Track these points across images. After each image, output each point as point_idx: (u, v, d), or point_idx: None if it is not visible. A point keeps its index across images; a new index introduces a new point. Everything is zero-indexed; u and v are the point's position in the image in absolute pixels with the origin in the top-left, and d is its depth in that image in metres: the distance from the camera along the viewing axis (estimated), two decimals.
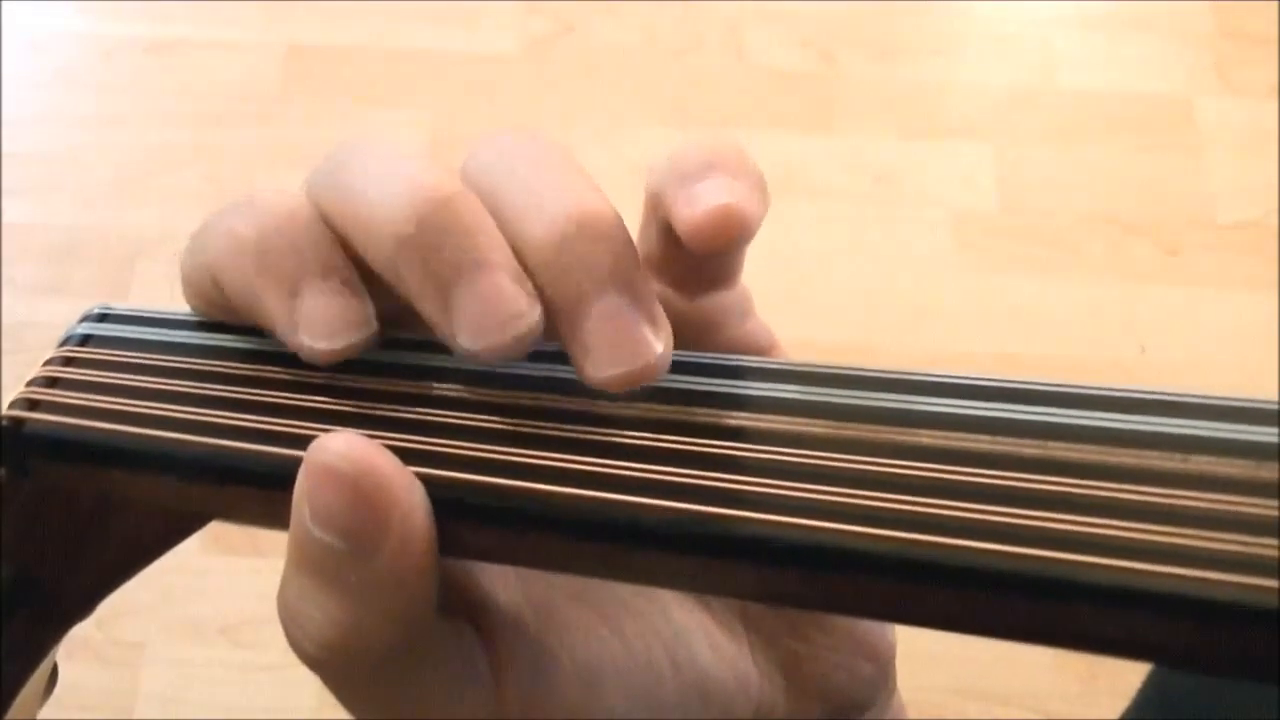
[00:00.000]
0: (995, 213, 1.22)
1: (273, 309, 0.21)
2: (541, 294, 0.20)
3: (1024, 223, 1.22)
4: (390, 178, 0.20)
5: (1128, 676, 0.47)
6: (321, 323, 0.21)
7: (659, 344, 0.20)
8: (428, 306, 0.20)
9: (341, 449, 0.18)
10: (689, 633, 0.24)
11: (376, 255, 0.20)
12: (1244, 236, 1.21)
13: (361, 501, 0.18)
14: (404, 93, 1.28)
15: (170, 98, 1.26)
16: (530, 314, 0.19)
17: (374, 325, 0.21)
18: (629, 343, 0.19)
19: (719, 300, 0.25)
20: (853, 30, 1.32)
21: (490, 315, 0.19)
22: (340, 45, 1.29)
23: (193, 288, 0.23)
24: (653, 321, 0.20)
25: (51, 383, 0.22)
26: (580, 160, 0.21)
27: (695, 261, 0.23)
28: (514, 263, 0.20)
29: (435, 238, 0.19)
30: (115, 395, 0.22)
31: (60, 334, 0.24)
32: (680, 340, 0.24)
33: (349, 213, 0.21)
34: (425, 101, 1.27)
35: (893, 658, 0.26)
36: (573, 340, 0.20)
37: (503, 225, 0.20)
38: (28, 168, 1.21)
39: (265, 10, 1.31)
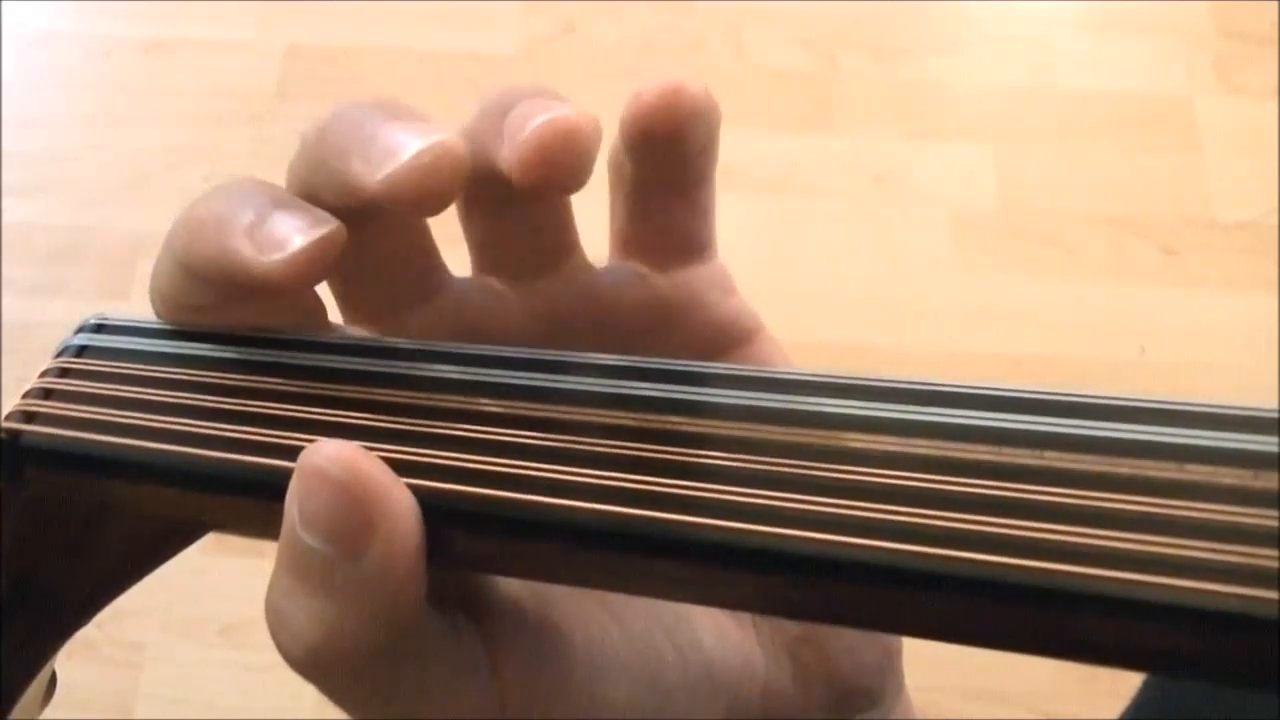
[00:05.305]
0: (995, 213, 1.22)
1: (238, 244, 0.21)
2: None
3: (1024, 223, 1.22)
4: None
5: (1128, 677, 0.47)
6: (289, 228, 0.21)
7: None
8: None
9: (332, 454, 0.19)
10: (692, 617, 0.24)
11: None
12: (1244, 236, 1.21)
13: (349, 504, 0.18)
14: (403, 93, 1.26)
15: (170, 98, 1.26)
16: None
17: (337, 222, 0.22)
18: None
19: (695, 275, 0.25)
20: (853, 30, 1.32)
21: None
22: (340, 45, 1.29)
23: (169, 298, 0.23)
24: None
25: (47, 394, 0.22)
26: None
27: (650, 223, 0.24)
28: None
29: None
30: (111, 407, 0.22)
31: (60, 335, 0.24)
32: (663, 319, 0.25)
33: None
34: (425, 101, 1.25)
35: (899, 648, 0.26)
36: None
37: None
38: (28, 168, 1.21)
39: (264, 10, 1.31)
